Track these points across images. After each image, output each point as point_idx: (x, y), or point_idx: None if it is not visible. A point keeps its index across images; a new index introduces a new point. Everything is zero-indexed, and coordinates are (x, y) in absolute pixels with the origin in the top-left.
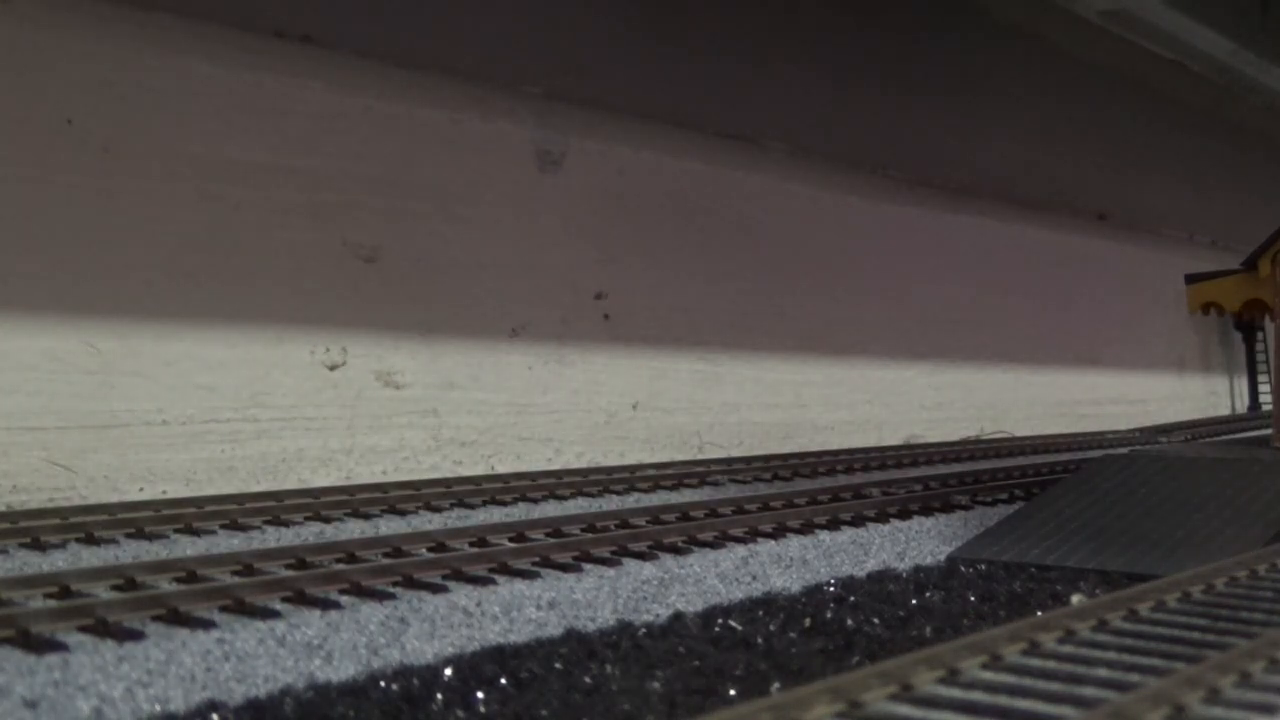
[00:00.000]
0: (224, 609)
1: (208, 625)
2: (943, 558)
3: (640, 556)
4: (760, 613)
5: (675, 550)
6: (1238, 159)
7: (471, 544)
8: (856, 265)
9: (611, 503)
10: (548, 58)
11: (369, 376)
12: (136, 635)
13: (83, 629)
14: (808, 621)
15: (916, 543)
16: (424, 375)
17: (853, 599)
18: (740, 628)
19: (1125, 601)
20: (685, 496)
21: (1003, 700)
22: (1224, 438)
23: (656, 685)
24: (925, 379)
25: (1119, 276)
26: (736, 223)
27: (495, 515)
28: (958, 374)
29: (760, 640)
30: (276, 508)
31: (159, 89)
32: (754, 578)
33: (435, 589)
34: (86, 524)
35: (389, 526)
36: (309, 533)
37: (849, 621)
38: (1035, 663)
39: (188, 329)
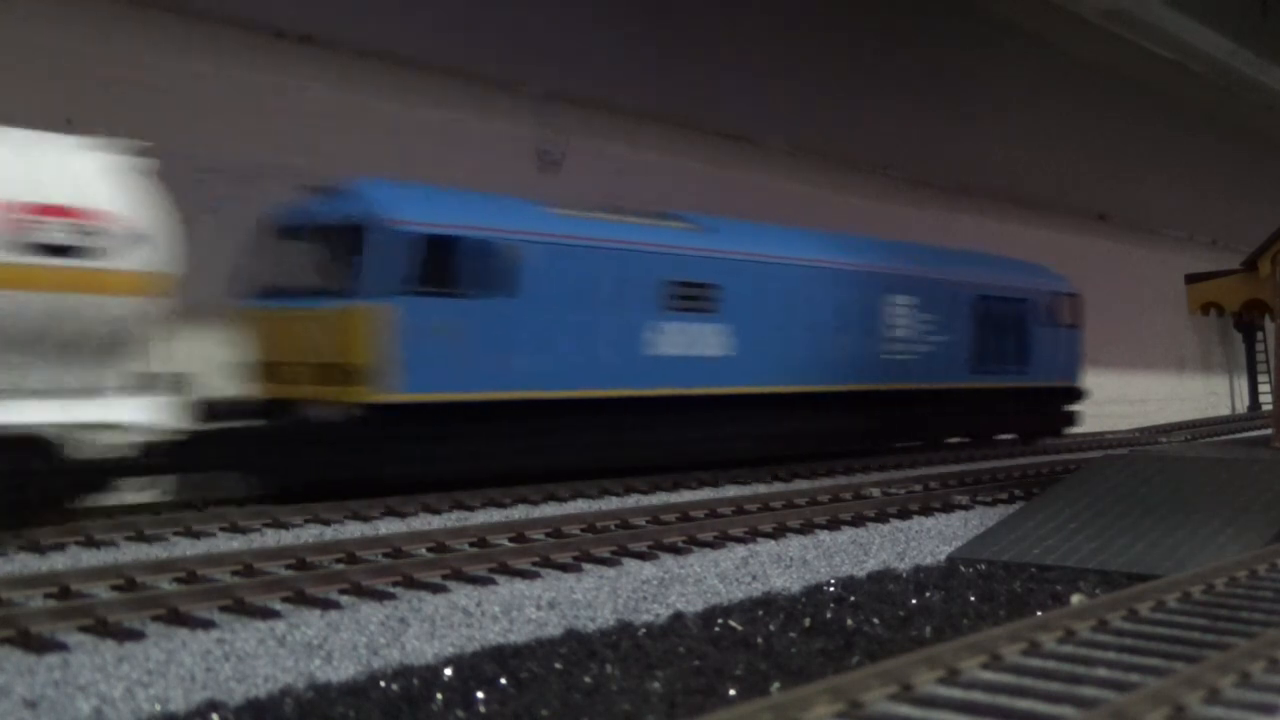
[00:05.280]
0: (224, 609)
1: (208, 625)
2: (943, 558)
3: (640, 556)
4: (760, 613)
5: (675, 550)
6: (1238, 159)
7: (471, 544)
8: None
9: (611, 503)
10: (548, 58)
11: None
12: (136, 635)
13: (83, 629)
14: (808, 621)
15: (916, 543)
16: None
17: (853, 599)
18: (740, 628)
19: (1125, 601)
20: (685, 496)
21: (1003, 700)
22: (1224, 438)
23: (656, 685)
24: None
25: (1119, 276)
26: None
27: (495, 516)
28: None
29: (760, 640)
30: (276, 509)
31: (159, 89)
32: (754, 578)
33: (435, 589)
34: (86, 526)
35: (389, 527)
36: (309, 534)
37: (849, 621)
38: (1035, 663)
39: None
